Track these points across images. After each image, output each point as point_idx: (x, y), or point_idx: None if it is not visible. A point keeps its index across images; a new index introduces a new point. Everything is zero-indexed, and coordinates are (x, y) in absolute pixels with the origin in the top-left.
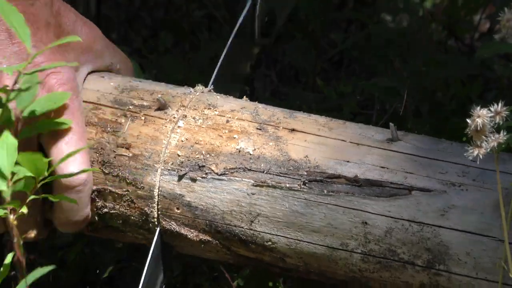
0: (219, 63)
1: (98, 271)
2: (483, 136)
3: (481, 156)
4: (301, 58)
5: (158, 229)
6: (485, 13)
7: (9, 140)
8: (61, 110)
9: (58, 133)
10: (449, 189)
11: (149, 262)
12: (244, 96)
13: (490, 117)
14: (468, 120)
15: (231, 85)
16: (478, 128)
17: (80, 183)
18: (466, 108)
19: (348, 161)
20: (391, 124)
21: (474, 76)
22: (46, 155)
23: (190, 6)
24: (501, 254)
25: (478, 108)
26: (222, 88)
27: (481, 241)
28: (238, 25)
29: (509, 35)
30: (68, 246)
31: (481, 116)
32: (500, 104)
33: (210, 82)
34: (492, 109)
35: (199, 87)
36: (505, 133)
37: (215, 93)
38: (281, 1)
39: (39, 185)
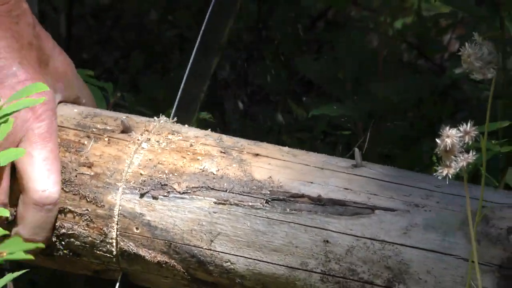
0: (180, 91)
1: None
2: (452, 156)
3: (450, 176)
4: (272, 79)
5: (121, 273)
6: (454, 34)
7: None
8: (42, 132)
9: (38, 152)
10: (413, 210)
11: None
12: (209, 129)
13: (460, 137)
14: (437, 140)
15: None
16: (448, 148)
17: (52, 202)
18: (436, 128)
19: (312, 182)
20: (356, 149)
21: (445, 97)
22: (18, 169)
23: (162, 27)
24: (462, 273)
25: (448, 128)
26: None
27: (443, 260)
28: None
29: (470, 70)
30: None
31: (451, 136)
32: (469, 124)
33: (172, 113)
34: (461, 129)
35: (163, 117)
36: (474, 153)
37: (177, 124)
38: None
39: None
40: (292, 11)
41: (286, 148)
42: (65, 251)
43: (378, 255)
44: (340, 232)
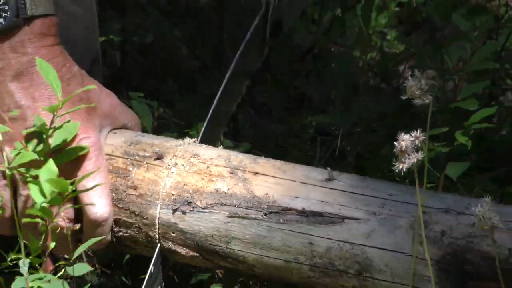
0: (207, 118)
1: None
2: (406, 155)
3: (404, 169)
4: (272, 98)
5: (158, 245)
6: (408, 64)
7: (52, 168)
8: (89, 165)
9: (90, 184)
10: (372, 218)
11: (151, 269)
12: (221, 145)
13: (411, 141)
14: (395, 143)
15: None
16: (402, 149)
17: (103, 220)
18: (395, 134)
19: (297, 197)
20: (328, 168)
21: (401, 111)
22: (78, 197)
23: (190, 59)
24: (410, 266)
25: (403, 134)
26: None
27: (396, 256)
28: (248, 35)
29: (413, 97)
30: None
31: (405, 140)
32: (418, 131)
33: (199, 137)
34: (412, 135)
35: (187, 140)
36: (422, 153)
37: (198, 144)
38: (289, 9)
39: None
40: (287, 47)
41: (278, 163)
42: (123, 246)
43: (349, 253)
44: (320, 237)
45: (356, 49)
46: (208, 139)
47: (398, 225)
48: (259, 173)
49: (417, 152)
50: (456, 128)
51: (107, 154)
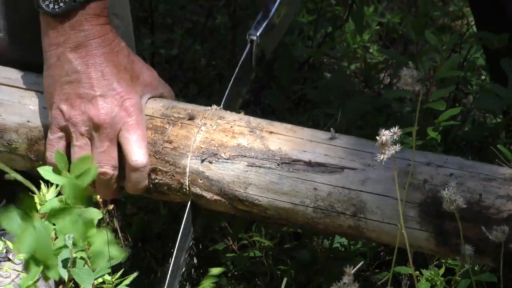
0: (226, 92)
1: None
2: (386, 147)
3: (385, 159)
4: (275, 100)
5: (190, 199)
6: (387, 72)
7: None
8: (133, 124)
9: (131, 136)
10: (366, 168)
11: (184, 222)
12: (242, 112)
13: (391, 135)
14: (377, 137)
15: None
16: (383, 142)
17: (142, 166)
18: (377, 130)
19: (305, 151)
20: (331, 128)
21: (381, 111)
22: (121, 147)
23: (208, 68)
24: (397, 208)
25: (383, 130)
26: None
27: (385, 199)
28: (240, 62)
29: (405, 84)
30: (134, 215)
31: (385, 135)
32: (396, 128)
33: (222, 102)
34: (391, 130)
35: (214, 106)
36: (399, 145)
37: (223, 110)
38: (269, 44)
39: None
40: (287, 60)
41: (289, 126)
42: (159, 192)
43: (347, 197)
44: (323, 183)
45: (344, 60)
46: None
47: (388, 174)
48: (273, 132)
49: (395, 145)
50: (427, 125)
51: (147, 115)
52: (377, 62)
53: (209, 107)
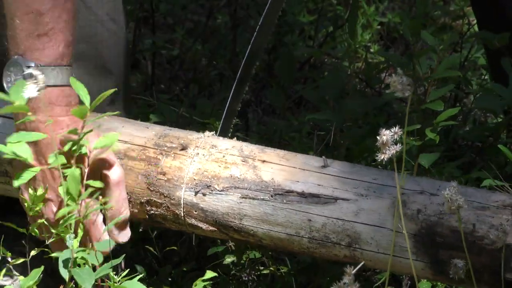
0: (224, 115)
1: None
2: (386, 147)
3: (386, 159)
4: (276, 99)
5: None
6: (388, 72)
7: (75, 173)
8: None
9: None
10: (359, 198)
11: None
12: (235, 138)
13: (391, 135)
14: (377, 137)
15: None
16: (384, 142)
17: (125, 219)
18: (376, 130)
19: (298, 181)
20: (323, 157)
21: (382, 111)
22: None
23: (209, 69)
24: (391, 238)
25: (384, 130)
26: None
27: (380, 230)
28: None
29: (395, 90)
30: None
31: (386, 135)
32: (397, 127)
33: (218, 131)
34: (392, 130)
35: (206, 133)
36: (400, 145)
37: (216, 136)
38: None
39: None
40: (288, 60)
41: (282, 153)
42: (154, 222)
43: (341, 228)
44: (317, 214)
45: (345, 60)
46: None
47: (381, 204)
48: (266, 161)
49: (396, 144)
50: (426, 125)
51: (140, 146)
52: (378, 62)
53: (202, 135)
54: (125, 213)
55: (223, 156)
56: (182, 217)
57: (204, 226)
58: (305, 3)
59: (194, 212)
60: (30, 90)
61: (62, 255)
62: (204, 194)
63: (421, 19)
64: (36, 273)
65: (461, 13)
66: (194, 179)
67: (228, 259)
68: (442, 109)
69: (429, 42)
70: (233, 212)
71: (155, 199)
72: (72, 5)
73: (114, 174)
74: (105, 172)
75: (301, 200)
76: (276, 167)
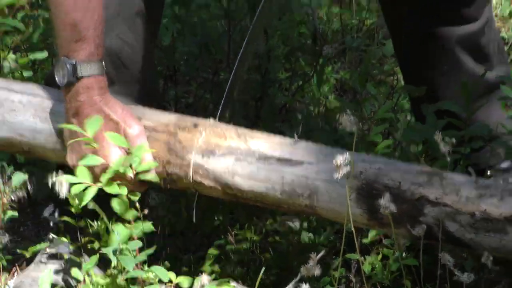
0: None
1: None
2: (340, 168)
3: (339, 177)
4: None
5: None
6: (340, 114)
7: None
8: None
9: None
10: (320, 162)
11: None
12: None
13: (344, 160)
14: (333, 161)
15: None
16: (338, 164)
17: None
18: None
19: (276, 150)
20: (295, 135)
21: (337, 142)
22: None
23: (215, 112)
24: (342, 192)
25: (338, 156)
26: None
27: (332, 185)
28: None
29: (345, 126)
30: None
31: (340, 159)
32: (347, 154)
33: (217, 117)
34: (344, 156)
35: (210, 120)
36: (349, 167)
37: (218, 122)
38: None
39: None
40: (271, 105)
41: (265, 134)
42: (171, 181)
43: (305, 183)
44: (289, 173)
45: (311, 105)
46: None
47: (335, 167)
48: (254, 137)
49: (346, 166)
50: (369, 152)
51: (164, 124)
52: (334, 107)
53: (208, 120)
54: (149, 161)
55: (223, 133)
56: (191, 175)
57: (206, 182)
58: (283, 64)
59: (200, 171)
60: (70, 78)
61: (111, 247)
62: (208, 157)
63: (365, 75)
64: (94, 258)
65: (392, 72)
66: (202, 146)
67: (229, 247)
68: (380, 140)
69: (371, 92)
70: (228, 171)
71: (172, 160)
72: (99, 17)
73: (133, 129)
74: (127, 129)
75: (277, 163)
76: (261, 141)
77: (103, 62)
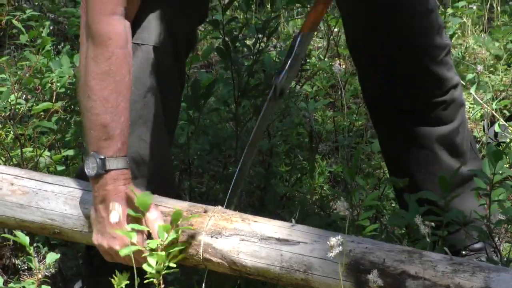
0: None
1: None
2: (334, 248)
3: (333, 256)
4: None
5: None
6: (335, 200)
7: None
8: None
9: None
10: (313, 243)
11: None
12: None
13: (337, 241)
14: (327, 242)
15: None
16: (331, 245)
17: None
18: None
19: (276, 232)
20: (292, 219)
21: (330, 225)
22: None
23: (224, 200)
24: (333, 267)
25: (331, 238)
26: None
27: (325, 262)
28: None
29: (339, 211)
30: None
31: (333, 241)
32: (340, 236)
33: (225, 204)
34: (337, 238)
35: (219, 207)
36: (341, 247)
37: (225, 209)
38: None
39: None
40: (273, 195)
41: (266, 219)
42: (185, 258)
43: (301, 260)
44: (286, 251)
45: (308, 194)
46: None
47: (326, 246)
48: (256, 221)
49: (339, 246)
50: (358, 235)
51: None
52: (328, 195)
53: (216, 207)
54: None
55: (229, 217)
56: (201, 253)
57: (214, 259)
58: (283, 160)
59: (209, 250)
60: (99, 171)
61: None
62: (216, 238)
63: (355, 169)
64: (126, 275)
65: (379, 166)
66: (211, 229)
67: None
68: (368, 224)
69: (360, 183)
70: (233, 250)
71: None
72: (125, 119)
73: (152, 214)
74: (146, 214)
75: (277, 242)
76: (263, 224)
77: (127, 158)
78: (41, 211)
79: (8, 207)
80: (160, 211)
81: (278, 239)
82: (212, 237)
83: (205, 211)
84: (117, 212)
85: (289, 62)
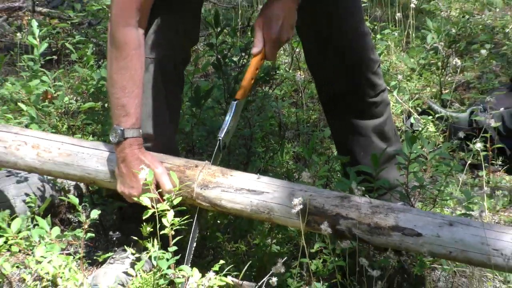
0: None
1: None
2: (296, 205)
3: (295, 211)
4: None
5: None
6: None
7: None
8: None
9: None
10: (276, 192)
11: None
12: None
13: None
14: (291, 202)
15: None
16: (295, 204)
17: (169, 190)
18: None
19: (246, 183)
20: (258, 174)
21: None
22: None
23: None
24: (290, 210)
25: (295, 199)
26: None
27: (283, 207)
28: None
29: (303, 179)
30: None
31: (296, 203)
32: None
33: (211, 161)
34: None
35: (207, 162)
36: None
37: (212, 165)
38: (227, 139)
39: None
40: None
41: (240, 172)
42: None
43: (265, 204)
44: (255, 199)
45: (278, 167)
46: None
47: (284, 194)
48: (232, 175)
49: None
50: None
51: (176, 165)
52: (292, 168)
53: (205, 162)
54: (168, 189)
55: (213, 172)
56: (194, 199)
57: (204, 203)
58: (260, 143)
59: (199, 197)
60: (120, 138)
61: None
62: (204, 189)
63: (311, 150)
64: (142, 262)
65: (329, 147)
66: (200, 182)
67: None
68: (320, 186)
69: (315, 159)
70: (216, 197)
71: (183, 187)
72: (139, 101)
73: (158, 169)
74: (154, 169)
75: (248, 192)
76: (238, 178)
77: (140, 130)
78: (80, 168)
79: (57, 165)
80: (164, 166)
81: (248, 190)
82: (201, 189)
83: (196, 166)
84: (144, 172)
85: (228, 121)
